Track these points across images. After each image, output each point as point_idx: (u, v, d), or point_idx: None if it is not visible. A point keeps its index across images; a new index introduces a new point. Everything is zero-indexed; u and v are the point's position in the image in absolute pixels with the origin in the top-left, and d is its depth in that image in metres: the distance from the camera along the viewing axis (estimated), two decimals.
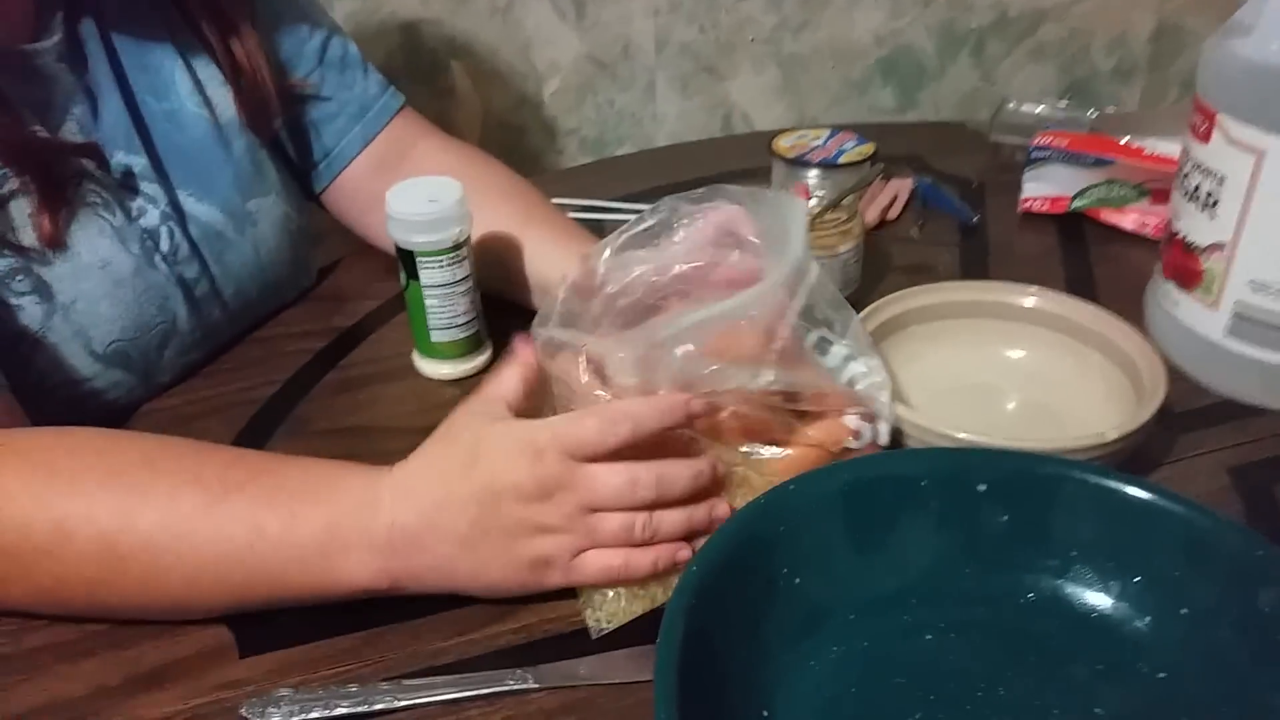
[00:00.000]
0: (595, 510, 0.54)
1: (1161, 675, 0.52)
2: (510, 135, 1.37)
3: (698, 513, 0.56)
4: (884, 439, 0.61)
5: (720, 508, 0.57)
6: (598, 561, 0.55)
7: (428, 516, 0.54)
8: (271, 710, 0.53)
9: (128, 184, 0.70)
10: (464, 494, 0.54)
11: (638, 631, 0.55)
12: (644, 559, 0.55)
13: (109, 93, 0.70)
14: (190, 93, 0.73)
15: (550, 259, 0.77)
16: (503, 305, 0.80)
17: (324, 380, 0.77)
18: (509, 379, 0.58)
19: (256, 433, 0.72)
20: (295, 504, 0.55)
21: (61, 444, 0.57)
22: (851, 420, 0.60)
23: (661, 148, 1.32)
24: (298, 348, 0.81)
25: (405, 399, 0.75)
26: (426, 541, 0.54)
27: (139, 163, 0.70)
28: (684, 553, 0.55)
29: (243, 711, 0.53)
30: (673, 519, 0.56)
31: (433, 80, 1.25)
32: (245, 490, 0.55)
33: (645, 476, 0.54)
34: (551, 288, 0.77)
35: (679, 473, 0.55)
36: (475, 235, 0.76)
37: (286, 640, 0.57)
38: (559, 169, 1.33)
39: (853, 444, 0.60)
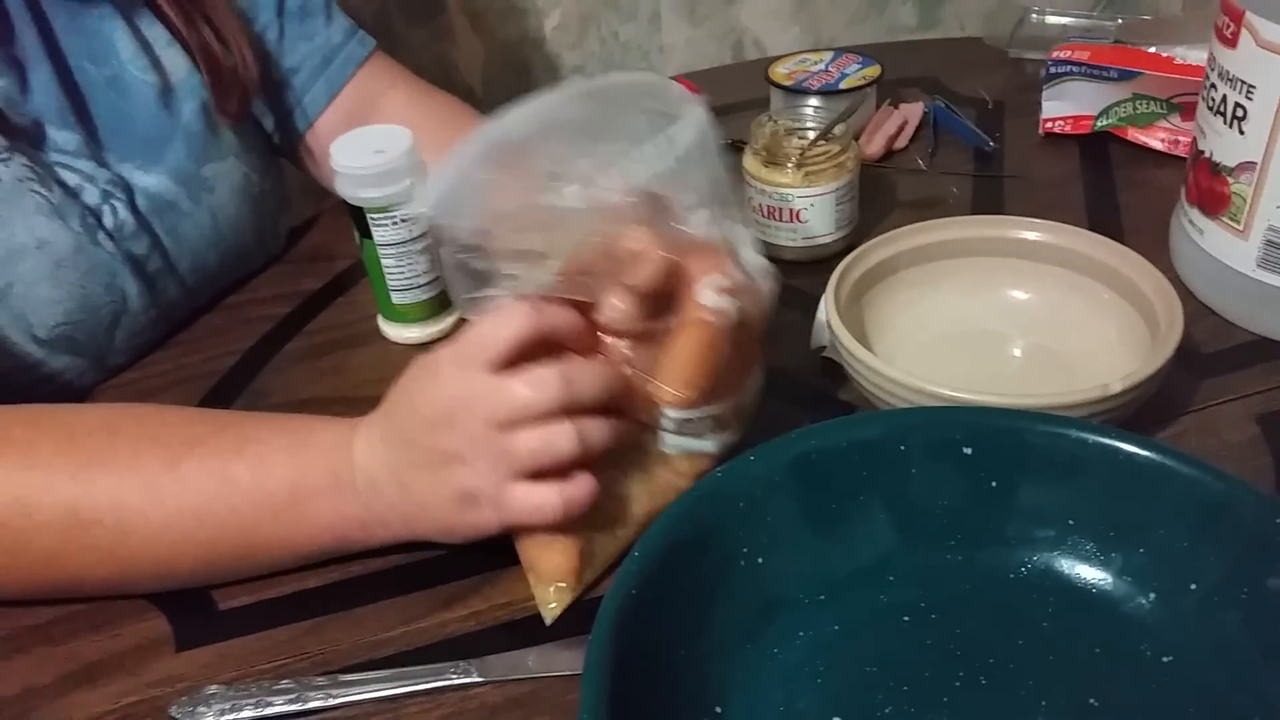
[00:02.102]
0: (505, 427, 0.49)
1: (1166, 659, 0.46)
2: (513, 75, 1.31)
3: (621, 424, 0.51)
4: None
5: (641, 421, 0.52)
6: (530, 498, 0.50)
7: (379, 457, 0.52)
8: (202, 709, 0.50)
9: (60, 161, 0.66)
10: (396, 431, 0.52)
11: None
12: (579, 490, 0.50)
13: (38, 63, 0.65)
14: (134, 56, 0.68)
15: None
16: None
17: (286, 348, 0.73)
18: (494, 326, 0.50)
19: (211, 408, 0.68)
20: (264, 452, 0.53)
21: (16, 417, 0.55)
22: (708, 297, 0.51)
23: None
24: (264, 313, 0.77)
25: (369, 366, 0.71)
26: (380, 483, 0.52)
27: (72, 139, 0.66)
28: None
29: (172, 711, 0.50)
30: (598, 425, 0.50)
31: (430, 20, 1.20)
32: (210, 443, 0.53)
33: (548, 374, 0.48)
34: None
35: (588, 370, 0.50)
36: None
37: (227, 632, 0.54)
38: None
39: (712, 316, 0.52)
